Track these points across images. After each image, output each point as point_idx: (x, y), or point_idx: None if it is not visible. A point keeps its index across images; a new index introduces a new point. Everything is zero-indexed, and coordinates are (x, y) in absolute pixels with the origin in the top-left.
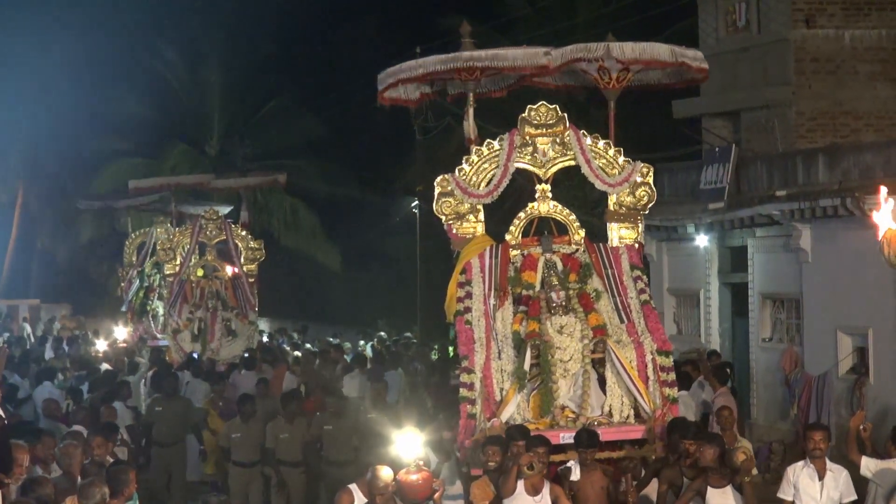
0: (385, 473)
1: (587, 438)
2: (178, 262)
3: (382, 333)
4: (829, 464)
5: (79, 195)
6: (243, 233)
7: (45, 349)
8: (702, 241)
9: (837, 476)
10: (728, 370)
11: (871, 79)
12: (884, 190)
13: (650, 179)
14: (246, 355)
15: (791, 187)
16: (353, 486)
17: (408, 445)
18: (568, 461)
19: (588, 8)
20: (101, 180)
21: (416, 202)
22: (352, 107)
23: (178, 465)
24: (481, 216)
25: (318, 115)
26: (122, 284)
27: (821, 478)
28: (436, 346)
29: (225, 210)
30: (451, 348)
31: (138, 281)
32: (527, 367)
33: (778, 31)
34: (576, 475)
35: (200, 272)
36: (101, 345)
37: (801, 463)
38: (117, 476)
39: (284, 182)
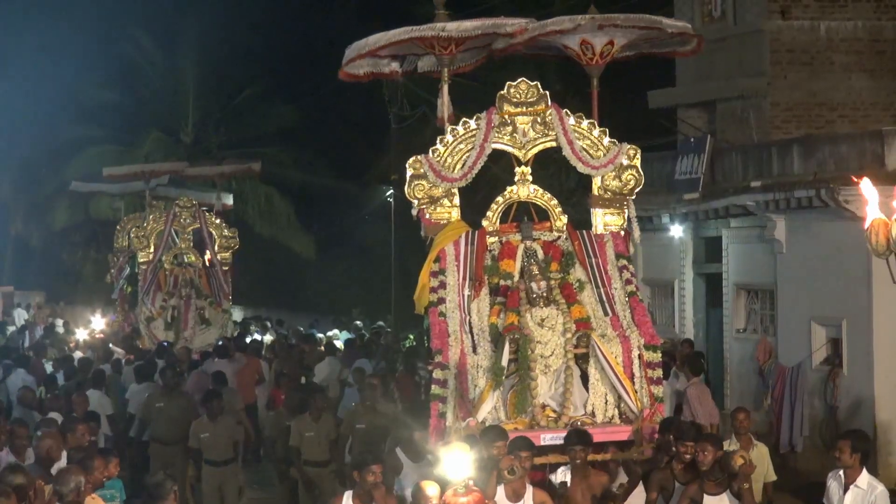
0: (431, 490)
1: (578, 436)
2: (151, 249)
3: (358, 322)
4: (862, 477)
5: (51, 182)
6: (217, 221)
7: (24, 337)
8: (676, 231)
9: (868, 493)
10: (701, 360)
11: (847, 70)
12: (867, 183)
13: (637, 162)
14: (220, 343)
15: (766, 178)
16: (348, 495)
17: (456, 463)
18: (556, 465)
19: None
20: (75, 167)
21: (391, 191)
22: (326, 95)
23: (179, 465)
24: (456, 200)
25: (293, 104)
26: (112, 271)
27: (845, 490)
28: (410, 336)
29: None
30: (426, 339)
31: (129, 268)
32: (504, 362)
33: (753, 22)
34: (566, 479)
35: (192, 258)
36: (80, 333)
37: (831, 473)
38: (82, 463)
39: (259, 170)
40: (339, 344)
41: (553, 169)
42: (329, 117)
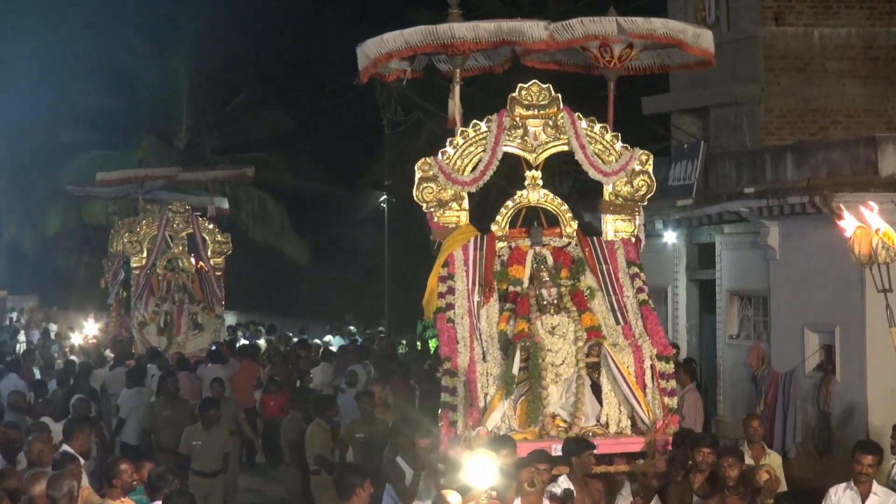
0: (453, 499)
1: (586, 443)
2: (144, 254)
3: (352, 327)
4: (875, 486)
5: (45, 187)
6: (210, 226)
7: (17, 342)
8: (670, 237)
9: (885, 500)
10: (694, 366)
11: (840, 76)
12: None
13: (650, 168)
14: (213, 348)
15: (759, 184)
16: None
17: (479, 472)
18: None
19: (557, 3)
20: (69, 172)
21: (385, 196)
22: (320, 100)
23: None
24: (465, 204)
25: (287, 109)
26: (107, 276)
27: (863, 501)
28: (403, 341)
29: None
30: (419, 344)
31: (123, 273)
32: (515, 370)
33: (747, 29)
34: (569, 486)
35: (186, 263)
36: (76, 338)
37: (843, 484)
38: (108, 469)
39: (252, 175)
40: (333, 349)
41: (546, 175)
42: (323, 122)
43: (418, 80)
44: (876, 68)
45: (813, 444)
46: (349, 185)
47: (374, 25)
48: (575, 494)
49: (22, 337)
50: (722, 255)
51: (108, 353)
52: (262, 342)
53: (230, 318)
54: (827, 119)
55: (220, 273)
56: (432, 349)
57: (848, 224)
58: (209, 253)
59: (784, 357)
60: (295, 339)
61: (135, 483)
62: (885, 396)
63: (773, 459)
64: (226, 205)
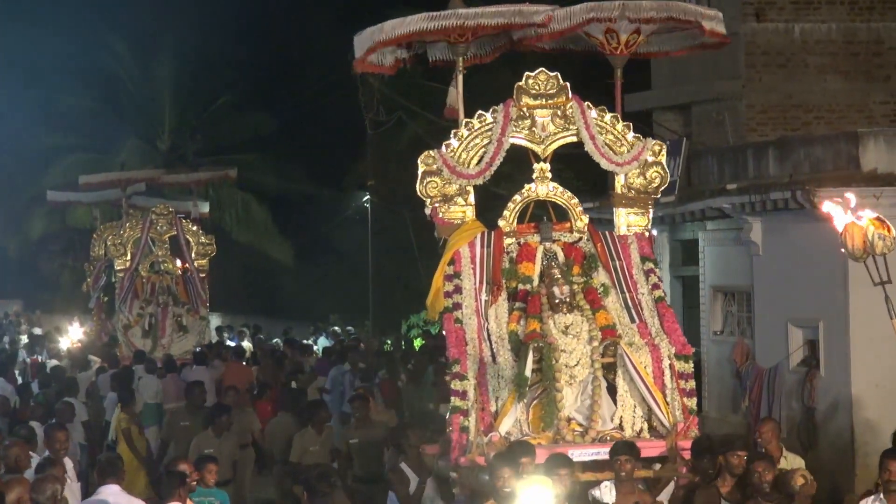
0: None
1: (625, 447)
2: (128, 257)
3: (336, 328)
4: None
5: (28, 191)
6: (194, 228)
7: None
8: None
9: None
10: None
11: (821, 72)
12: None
13: (663, 158)
14: (198, 350)
15: (742, 180)
16: None
17: (534, 500)
18: (596, 481)
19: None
20: (52, 175)
21: (368, 196)
22: (303, 101)
23: None
24: (471, 199)
25: (269, 110)
26: (89, 280)
27: None
28: (388, 341)
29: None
30: (402, 344)
31: (105, 277)
32: (528, 372)
33: (728, 25)
34: (610, 497)
35: (169, 265)
36: (64, 342)
37: (871, 497)
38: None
39: (235, 177)
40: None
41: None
42: (305, 123)
43: (400, 80)
44: (857, 63)
45: (798, 440)
46: (332, 185)
47: (356, 27)
48: (615, 500)
49: (24, 340)
50: (705, 252)
51: (93, 357)
52: (246, 344)
53: (215, 320)
54: (809, 114)
55: (204, 275)
56: (416, 348)
57: (838, 221)
58: (193, 255)
59: (768, 352)
60: (276, 340)
61: (194, 483)
62: (869, 391)
63: (794, 463)
64: (206, 209)
